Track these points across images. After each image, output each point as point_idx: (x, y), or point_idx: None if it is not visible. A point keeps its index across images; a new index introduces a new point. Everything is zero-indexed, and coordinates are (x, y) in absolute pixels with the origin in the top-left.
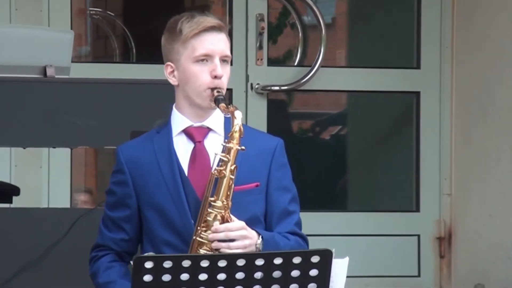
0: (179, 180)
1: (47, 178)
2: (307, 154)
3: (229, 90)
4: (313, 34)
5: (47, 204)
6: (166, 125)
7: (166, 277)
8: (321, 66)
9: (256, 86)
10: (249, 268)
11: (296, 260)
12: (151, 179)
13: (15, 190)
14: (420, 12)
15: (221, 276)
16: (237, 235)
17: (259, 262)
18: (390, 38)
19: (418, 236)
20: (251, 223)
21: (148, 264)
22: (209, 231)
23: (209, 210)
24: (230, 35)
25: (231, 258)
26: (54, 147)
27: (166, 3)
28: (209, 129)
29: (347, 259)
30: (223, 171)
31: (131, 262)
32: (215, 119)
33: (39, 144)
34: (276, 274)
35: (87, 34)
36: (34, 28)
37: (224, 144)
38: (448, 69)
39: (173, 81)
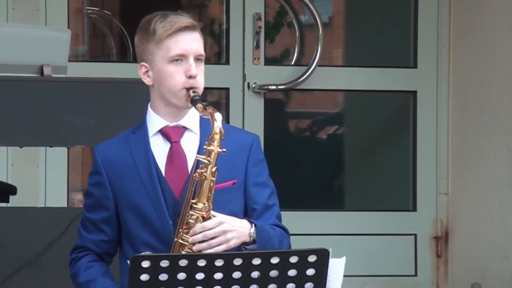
0: (157, 181)
1: (44, 177)
2: (304, 154)
3: (226, 89)
4: (310, 33)
5: (44, 203)
6: (141, 125)
7: (163, 277)
8: (318, 65)
9: (253, 85)
10: (246, 267)
11: (293, 259)
12: (128, 181)
13: (12, 189)
14: (417, 11)
15: (218, 276)
16: (215, 232)
17: (256, 261)
18: (387, 37)
19: (415, 235)
20: None
21: (145, 264)
22: (189, 234)
23: (191, 212)
24: (227, 34)
25: (228, 257)
26: (51, 146)
27: (162, 2)
28: (185, 128)
29: (344, 258)
30: (204, 173)
31: (128, 262)
32: (191, 118)
33: (36, 143)
34: (273, 273)
35: (84, 33)
36: (31, 27)
37: (204, 147)
38: (445, 68)
39: (147, 81)
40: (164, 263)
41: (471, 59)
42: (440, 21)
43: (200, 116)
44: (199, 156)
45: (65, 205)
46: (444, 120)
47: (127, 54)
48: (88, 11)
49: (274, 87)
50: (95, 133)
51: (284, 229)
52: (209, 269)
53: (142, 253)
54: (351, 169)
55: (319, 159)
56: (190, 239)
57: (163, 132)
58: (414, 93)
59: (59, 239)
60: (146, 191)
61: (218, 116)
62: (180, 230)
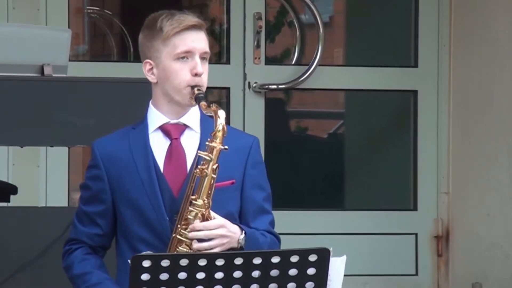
0: (155, 177)
1: (45, 177)
2: (304, 153)
3: (227, 89)
4: (311, 33)
5: (45, 203)
6: (142, 121)
7: (164, 276)
8: (319, 64)
9: (254, 85)
10: (247, 266)
11: (294, 258)
12: (126, 175)
13: (13, 189)
14: (418, 11)
15: (219, 275)
16: (216, 234)
17: (257, 260)
18: (387, 36)
19: (416, 234)
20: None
21: (146, 263)
22: (188, 229)
23: (190, 208)
24: (227, 33)
25: (229, 256)
26: (51, 146)
27: (163, 2)
28: (185, 126)
29: (344, 257)
30: (205, 170)
31: (129, 261)
32: (192, 116)
33: (36, 143)
34: (274, 272)
35: (85, 33)
36: (31, 27)
37: (207, 143)
38: (445, 68)
39: (151, 78)
40: (165, 263)
41: (472, 59)
42: (440, 20)
43: (201, 115)
44: (201, 152)
45: (65, 204)
46: (445, 119)
47: (127, 54)
48: (89, 11)
49: (274, 86)
50: (96, 133)
51: (276, 236)
52: (210, 269)
53: (143, 253)
54: (352, 168)
55: (319, 158)
56: (191, 235)
57: (164, 129)
58: (414, 92)
59: (60, 239)
60: (143, 186)
61: (221, 113)
62: (179, 226)
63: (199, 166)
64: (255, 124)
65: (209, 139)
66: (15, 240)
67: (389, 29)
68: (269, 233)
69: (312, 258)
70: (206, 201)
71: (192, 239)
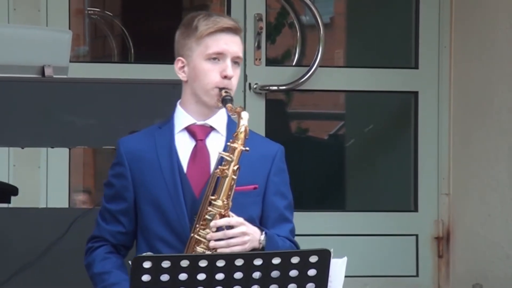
0: (178, 177)
1: (46, 178)
2: (305, 154)
3: None
4: (312, 34)
5: (46, 204)
6: (168, 121)
7: (165, 277)
8: (320, 66)
9: (255, 86)
10: (248, 268)
11: (295, 260)
12: (150, 174)
13: (14, 190)
14: (419, 12)
15: (220, 276)
16: (235, 233)
17: (258, 262)
18: (388, 38)
19: (416, 236)
20: None
21: (147, 264)
22: (207, 229)
23: (209, 208)
24: None
25: (230, 258)
26: (52, 147)
27: (164, 3)
28: (212, 128)
29: (345, 259)
30: (226, 171)
31: (130, 262)
32: (219, 119)
33: (37, 144)
34: (275, 274)
35: (85, 34)
36: (32, 28)
37: (228, 143)
38: (446, 69)
39: (182, 76)
40: (166, 264)
41: (473, 60)
42: (441, 22)
43: (228, 118)
44: (222, 152)
45: (66, 205)
46: (446, 120)
47: (128, 55)
48: (89, 12)
49: (275, 87)
50: (97, 134)
51: (296, 245)
52: (211, 270)
53: (144, 254)
54: (353, 169)
55: (320, 159)
56: (209, 236)
57: (190, 130)
58: (415, 93)
59: (60, 240)
60: (166, 186)
61: (245, 114)
62: (197, 225)
63: (219, 167)
64: (255, 126)
65: (231, 140)
66: (15, 241)
67: (389, 30)
68: (290, 241)
69: (313, 259)
70: (225, 202)
71: (209, 240)
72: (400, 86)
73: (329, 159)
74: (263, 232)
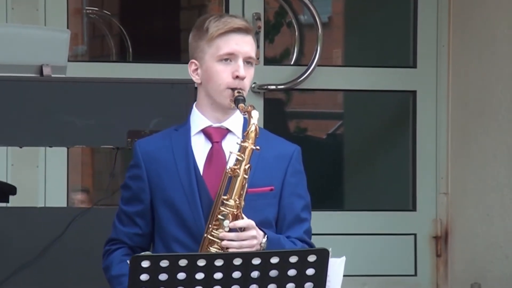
0: (194, 179)
1: (44, 177)
2: (303, 153)
3: None
4: (310, 33)
5: (44, 203)
6: (185, 124)
7: (163, 276)
8: (318, 65)
9: (253, 85)
10: (246, 267)
11: (293, 259)
12: (166, 176)
13: (12, 189)
14: (417, 11)
15: (218, 275)
16: (247, 236)
17: (256, 261)
18: (386, 37)
19: (415, 235)
20: (263, 226)
21: (145, 263)
22: (220, 229)
23: (221, 208)
24: None
25: (228, 257)
26: (50, 146)
27: (162, 2)
28: (228, 130)
29: (343, 258)
30: (237, 170)
31: (128, 262)
32: (235, 120)
33: (35, 143)
34: (273, 273)
35: (84, 33)
36: (30, 27)
37: (239, 143)
38: (444, 68)
39: (196, 79)
40: (164, 263)
41: (471, 59)
42: (439, 21)
43: (244, 120)
44: (233, 152)
45: (64, 205)
46: (444, 119)
47: (126, 54)
48: (88, 11)
49: (273, 87)
50: (95, 133)
51: (310, 245)
52: (209, 269)
53: (142, 253)
54: (351, 168)
55: (318, 158)
56: (221, 234)
57: (206, 132)
58: (413, 93)
59: (58, 239)
60: (182, 188)
61: (255, 114)
62: (210, 226)
63: (231, 166)
64: None
65: (241, 140)
66: (14, 240)
67: (388, 29)
68: (303, 241)
69: (311, 258)
70: (237, 202)
71: (222, 239)
72: (398, 85)
73: (327, 158)
74: (265, 236)
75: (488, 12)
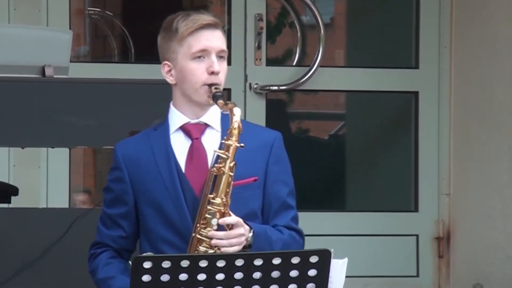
0: (176, 177)
1: (46, 178)
2: (305, 154)
3: (228, 90)
4: (312, 34)
5: (46, 204)
6: (163, 123)
7: (165, 277)
8: (320, 66)
9: (255, 86)
10: (248, 268)
11: (295, 260)
12: (148, 176)
13: (14, 190)
14: (419, 12)
15: (220, 276)
16: (235, 234)
17: (258, 262)
18: (388, 38)
19: (417, 236)
20: (249, 218)
21: (147, 264)
22: (208, 228)
23: (208, 207)
24: (228, 34)
25: (230, 258)
26: (52, 147)
27: (164, 3)
28: (206, 125)
29: (346, 259)
30: (222, 168)
31: (129, 262)
32: (212, 115)
33: (37, 144)
34: (275, 274)
35: (86, 34)
36: (32, 28)
37: (223, 141)
38: (446, 69)
39: (170, 80)
40: (166, 264)
41: (473, 60)
42: (441, 22)
43: (221, 113)
44: (217, 150)
45: (66, 206)
46: (446, 120)
47: (128, 55)
48: (90, 12)
49: (275, 87)
50: (97, 134)
51: (298, 231)
52: (211, 270)
53: (144, 254)
54: (353, 169)
55: (320, 159)
56: (210, 233)
57: (184, 129)
58: (415, 93)
59: (60, 240)
60: (165, 187)
61: (237, 110)
62: (198, 225)
63: (216, 165)
64: None
65: (225, 137)
66: (16, 241)
67: (390, 30)
68: (291, 228)
69: (313, 259)
70: (224, 200)
71: (211, 238)
72: (400, 86)
73: (329, 159)
74: (251, 231)
75: (490, 13)
